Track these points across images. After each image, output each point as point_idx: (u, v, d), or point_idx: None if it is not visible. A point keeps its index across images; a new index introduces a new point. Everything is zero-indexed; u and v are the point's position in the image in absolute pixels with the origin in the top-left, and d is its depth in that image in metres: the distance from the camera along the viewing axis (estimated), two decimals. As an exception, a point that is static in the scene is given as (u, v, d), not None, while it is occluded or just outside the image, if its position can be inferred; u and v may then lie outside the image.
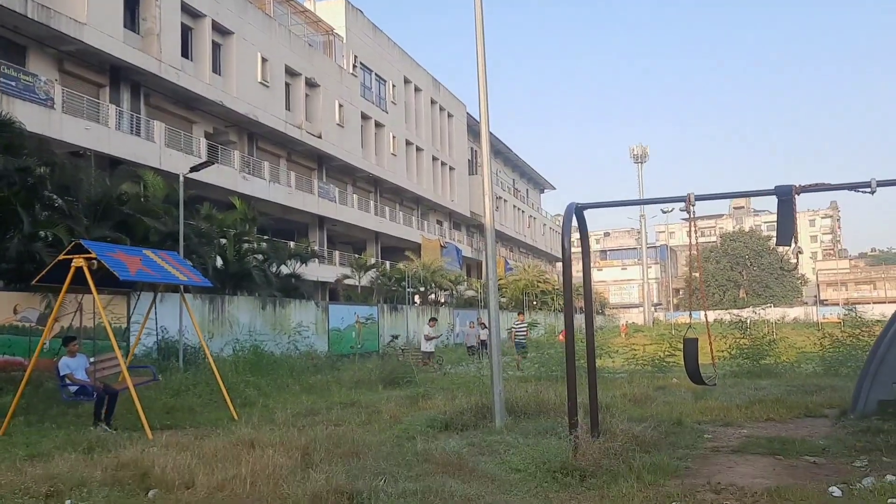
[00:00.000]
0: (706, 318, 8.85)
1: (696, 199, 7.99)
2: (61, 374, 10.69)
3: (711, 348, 8.96)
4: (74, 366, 10.81)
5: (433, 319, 23.41)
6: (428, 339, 21.74)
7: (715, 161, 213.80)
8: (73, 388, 10.67)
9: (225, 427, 9.98)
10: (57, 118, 23.88)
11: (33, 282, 11.65)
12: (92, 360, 10.96)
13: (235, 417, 11.14)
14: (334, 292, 40.24)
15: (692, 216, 8.18)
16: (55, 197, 16.96)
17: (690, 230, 8.48)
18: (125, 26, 28.21)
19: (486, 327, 25.50)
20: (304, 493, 5.81)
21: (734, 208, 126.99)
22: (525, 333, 23.39)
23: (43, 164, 16.85)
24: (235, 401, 12.11)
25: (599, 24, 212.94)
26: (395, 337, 28.51)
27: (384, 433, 9.42)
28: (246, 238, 25.43)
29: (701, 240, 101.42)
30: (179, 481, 6.49)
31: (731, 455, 8.06)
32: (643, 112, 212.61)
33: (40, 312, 15.38)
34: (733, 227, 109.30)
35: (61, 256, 10.48)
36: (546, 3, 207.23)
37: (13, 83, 22.66)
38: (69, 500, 5.94)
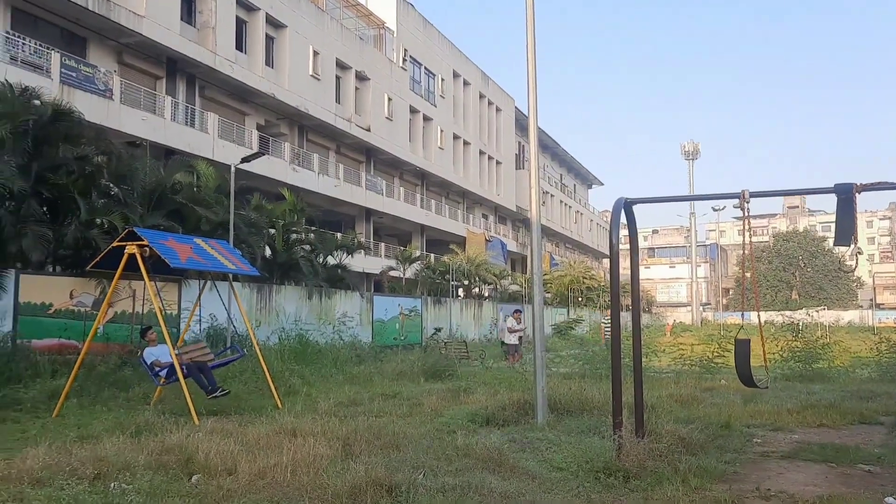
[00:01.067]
0: (759, 318, 8.61)
1: (751, 196, 7.76)
2: (148, 362, 10.97)
3: (763, 350, 8.71)
4: (158, 353, 11.07)
5: (518, 311, 22.24)
6: (512, 331, 20.91)
7: (769, 160, 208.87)
8: (163, 372, 10.92)
9: (269, 415, 10.09)
10: (115, 108, 24.47)
11: (88, 267, 11.97)
12: (178, 351, 11.20)
13: (279, 406, 11.26)
14: (379, 284, 40.51)
15: (746, 213, 7.95)
16: (111, 185, 17.38)
17: (744, 228, 8.23)
18: (182, 19, 28.77)
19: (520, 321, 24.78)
20: (343, 484, 5.82)
21: (788, 207, 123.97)
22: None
23: (100, 153, 17.27)
24: (280, 389, 12.24)
25: (649, 18, 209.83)
26: (439, 330, 28.53)
27: (425, 426, 9.40)
28: (294, 229, 25.74)
29: (753, 239, 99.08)
30: (222, 467, 6.56)
31: (781, 461, 7.83)
32: (695, 109, 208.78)
33: (95, 297, 15.80)
34: (787, 227, 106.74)
35: (115, 243, 10.71)
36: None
37: (74, 74, 23.28)
38: (114, 483, 6.05)
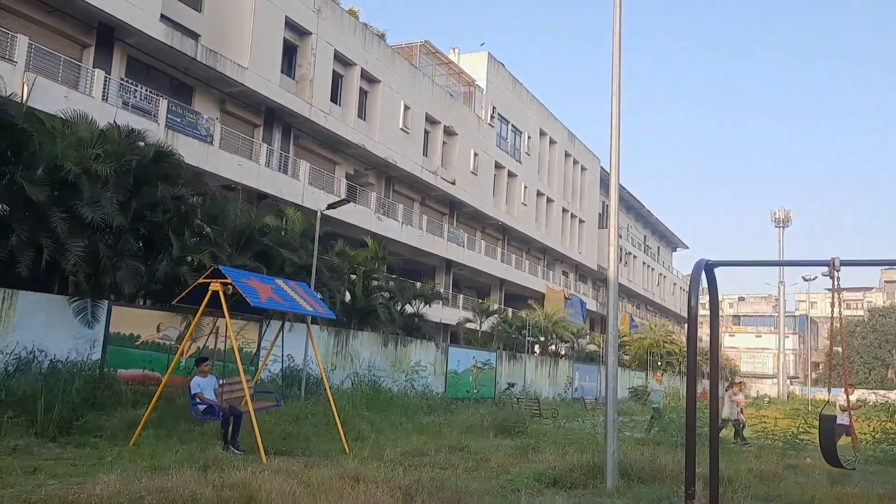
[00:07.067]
0: (847, 395, 8.17)
1: (842, 265, 7.47)
2: (192, 392, 11.26)
3: (852, 429, 8.23)
4: (205, 385, 11.35)
5: (736, 384, 19.32)
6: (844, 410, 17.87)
7: (869, 235, 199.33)
8: (201, 407, 11.20)
9: (335, 459, 10.14)
10: (214, 153, 25.63)
11: (174, 302, 12.44)
12: (221, 381, 11.47)
13: (347, 451, 11.31)
14: (455, 335, 40.48)
15: (836, 283, 7.63)
16: (204, 225, 18.11)
17: (833, 299, 7.90)
18: (282, 72, 30.12)
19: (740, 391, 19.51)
20: (401, 534, 5.76)
21: (885, 282, 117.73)
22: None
23: (196, 193, 18.08)
24: (349, 434, 12.30)
25: (742, 82, 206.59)
26: (512, 385, 28.21)
27: (489, 482, 9.24)
28: (375, 276, 26.11)
29: (846, 312, 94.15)
30: (283, 507, 6.61)
31: (867, 549, 7.31)
32: (788, 176, 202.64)
33: (180, 331, 16.35)
34: (884, 302, 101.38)
35: (200, 280, 11.12)
36: (689, 61, 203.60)
37: (178, 119, 24.60)
38: (179, 514, 6.18)
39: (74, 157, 13.99)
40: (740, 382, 19.92)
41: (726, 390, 19.86)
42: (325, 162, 33.50)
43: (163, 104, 24.00)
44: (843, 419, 16.80)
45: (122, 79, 24.00)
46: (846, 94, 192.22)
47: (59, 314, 14.13)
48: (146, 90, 24.22)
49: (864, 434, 15.97)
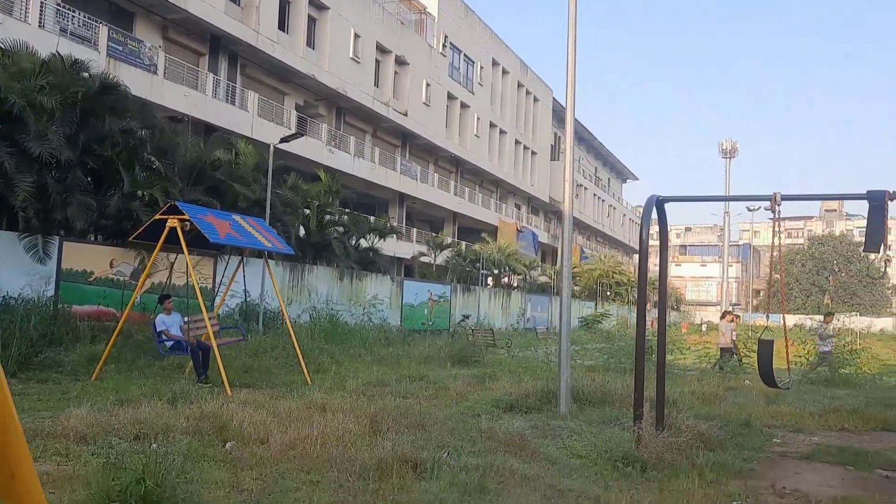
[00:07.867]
0: (784, 320, 8.68)
1: (783, 199, 7.82)
2: (158, 329, 11.33)
3: (787, 351, 8.79)
4: (170, 322, 11.43)
5: (830, 314, 19.31)
6: (823, 338, 17.71)
7: (810, 163, 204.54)
8: (169, 343, 11.30)
9: (299, 390, 10.41)
10: (159, 83, 24.88)
11: (129, 238, 12.35)
12: (186, 319, 11.53)
13: (309, 382, 11.59)
14: (410, 268, 40.82)
15: (777, 216, 8.01)
16: (153, 159, 17.75)
17: (774, 230, 8.32)
18: (226, -3, 29.09)
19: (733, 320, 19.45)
20: (370, 458, 6.08)
21: (825, 211, 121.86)
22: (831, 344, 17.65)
23: (144, 126, 17.63)
24: (310, 366, 12.57)
25: (692, 15, 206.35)
26: (467, 317, 28.77)
27: (450, 409, 9.65)
28: (328, 210, 26.06)
29: (787, 241, 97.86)
30: (255, 436, 6.87)
31: (798, 461, 7.93)
32: (736, 107, 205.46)
33: (134, 268, 16.25)
34: (823, 231, 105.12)
35: (157, 216, 11.05)
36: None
37: (120, 48, 23.73)
38: (155, 444, 6.38)
39: (18, 89, 13.52)
40: (734, 313, 20.73)
41: (721, 319, 20.11)
42: (273, 92, 32.80)
43: (103, 31, 23.10)
44: (825, 346, 17.34)
45: (58, 4, 22.94)
46: (794, 26, 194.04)
47: (10, 250, 13.90)
48: (85, 16, 23.22)
49: (800, 357, 16.95)
